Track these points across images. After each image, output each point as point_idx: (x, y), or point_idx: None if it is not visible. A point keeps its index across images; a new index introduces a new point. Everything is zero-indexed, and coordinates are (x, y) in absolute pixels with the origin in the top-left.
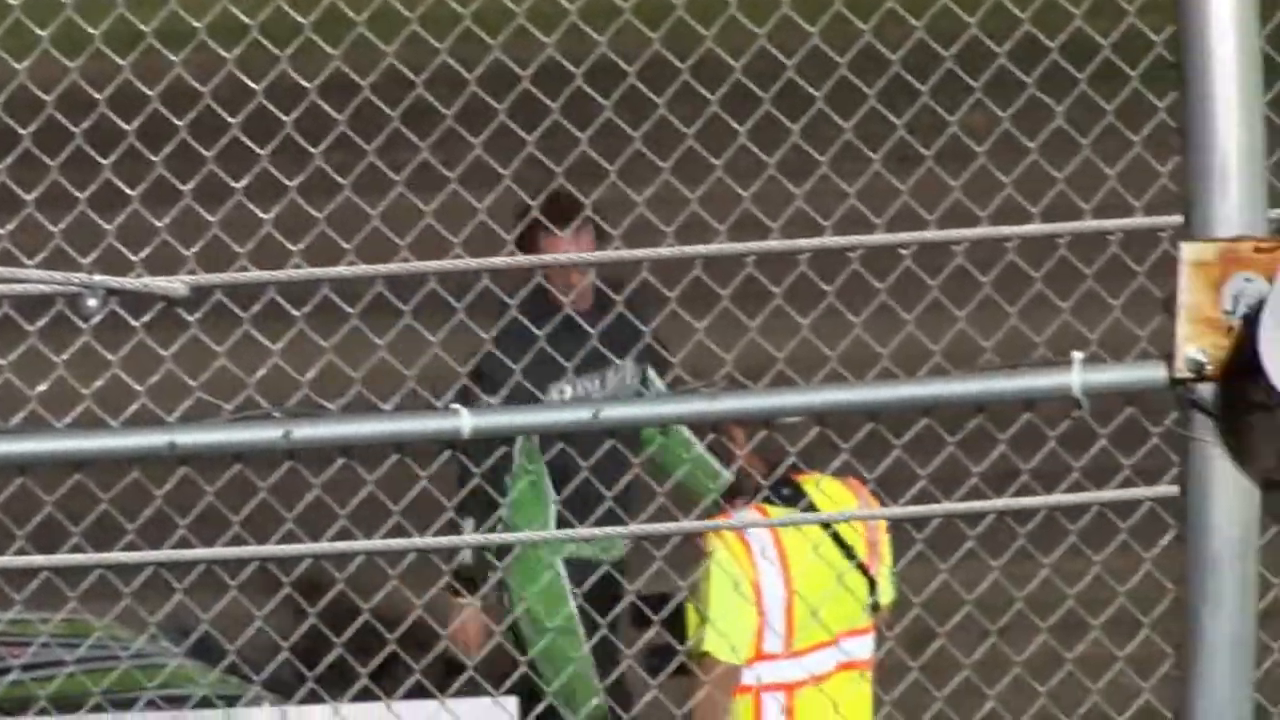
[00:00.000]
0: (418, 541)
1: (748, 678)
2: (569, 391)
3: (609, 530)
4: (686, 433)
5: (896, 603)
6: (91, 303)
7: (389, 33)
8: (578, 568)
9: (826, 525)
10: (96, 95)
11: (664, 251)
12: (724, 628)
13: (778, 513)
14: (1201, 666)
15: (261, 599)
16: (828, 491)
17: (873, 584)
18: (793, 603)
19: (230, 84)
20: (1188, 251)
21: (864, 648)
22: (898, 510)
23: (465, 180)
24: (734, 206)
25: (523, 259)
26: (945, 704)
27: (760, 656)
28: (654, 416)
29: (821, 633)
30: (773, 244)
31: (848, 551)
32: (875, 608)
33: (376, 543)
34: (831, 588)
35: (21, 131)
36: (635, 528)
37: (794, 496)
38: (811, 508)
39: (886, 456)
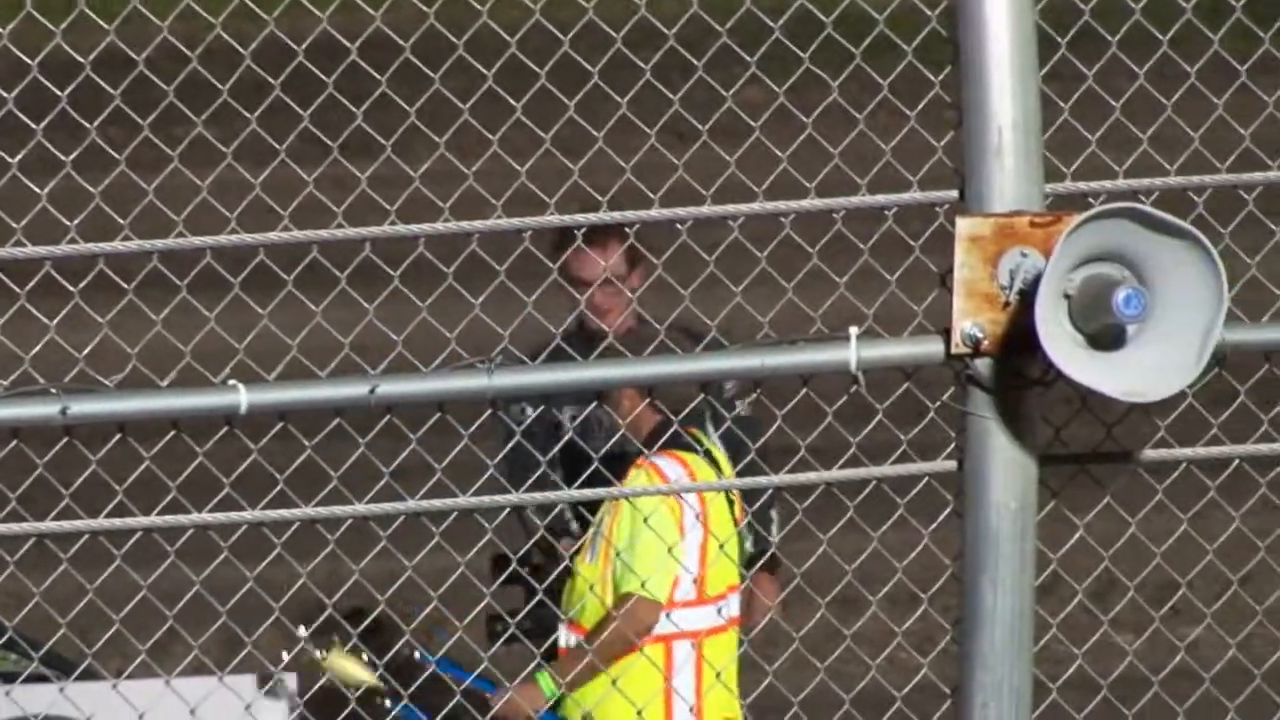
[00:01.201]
0: (244, 515)
1: (662, 626)
2: (568, 414)
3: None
4: None
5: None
6: None
7: (165, 8)
8: None
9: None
10: None
11: (442, 226)
12: (644, 563)
13: (692, 458)
14: (981, 641)
15: (40, 575)
16: (707, 439)
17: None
18: (706, 551)
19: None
20: (964, 226)
21: (736, 604)
22: (675, 486)
23: (240, 156)
24: (510, 182)
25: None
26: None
27: (672, 604)
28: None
29: (724, 581)
30: (549, 219)
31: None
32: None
33: (205, 516)
34: (732, 537)
35: None
36: (575, 493)
37: (695, 445)
38: (710, 455)
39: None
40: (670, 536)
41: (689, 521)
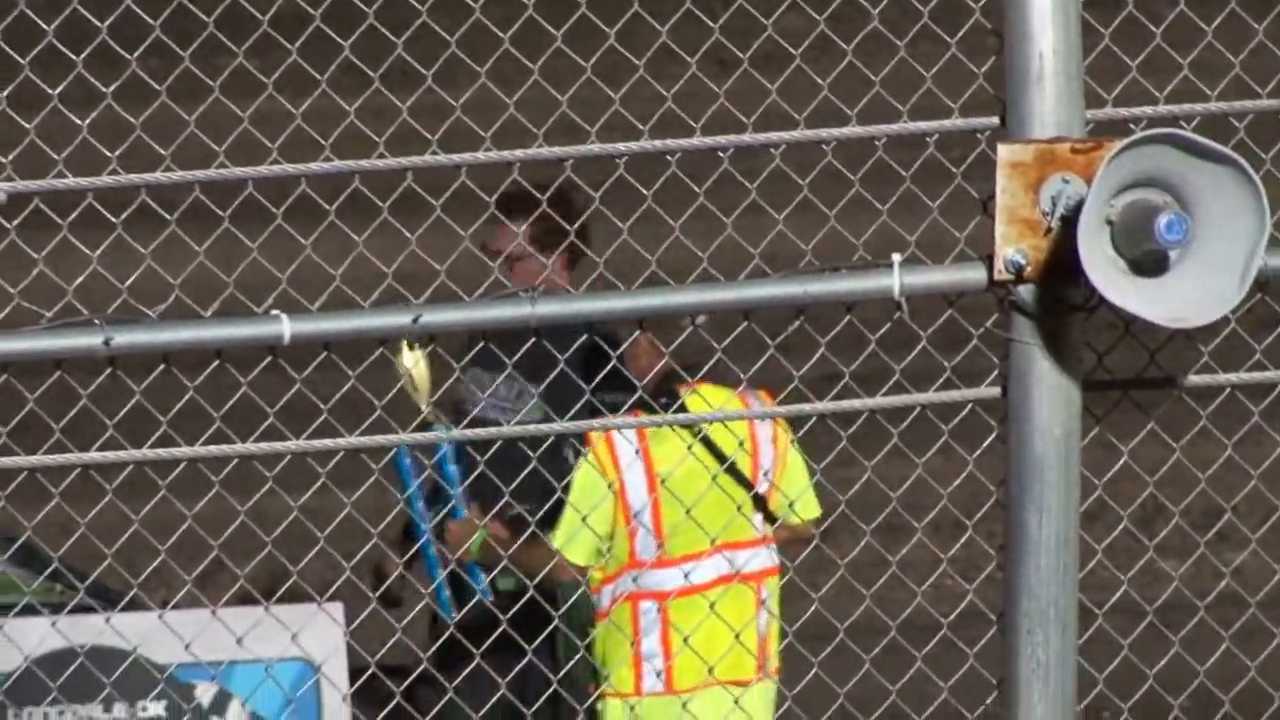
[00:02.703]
0: (288, 445)
1: (625, 584)
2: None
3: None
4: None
5: (819, 518)
6: None
7: None
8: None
9: (697, 432)
10: None
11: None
12: (566, 530)
13: (654, 430)
14: (1027, 568)
15: (85, 506)
16: (706, 396)
17: (759, 499)
18: (659, 510)
19: None
20: (1005, 153)
21: (751, 561)
22: (718, 414)
23: (281, 86)
24: (551, 111)
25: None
26: (769, 611)
27: (634, 564)
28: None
29: (698, 543)
30: (590, 148)
31: (722, 460)
32: (771, 521)
33: (250, 446)
34: (699, 497)
35: None
36: (538, 427)
37: (670, 405)
38: (700, 426)
39: (709, 360)
40: (586, 494)
41: (630, 481)
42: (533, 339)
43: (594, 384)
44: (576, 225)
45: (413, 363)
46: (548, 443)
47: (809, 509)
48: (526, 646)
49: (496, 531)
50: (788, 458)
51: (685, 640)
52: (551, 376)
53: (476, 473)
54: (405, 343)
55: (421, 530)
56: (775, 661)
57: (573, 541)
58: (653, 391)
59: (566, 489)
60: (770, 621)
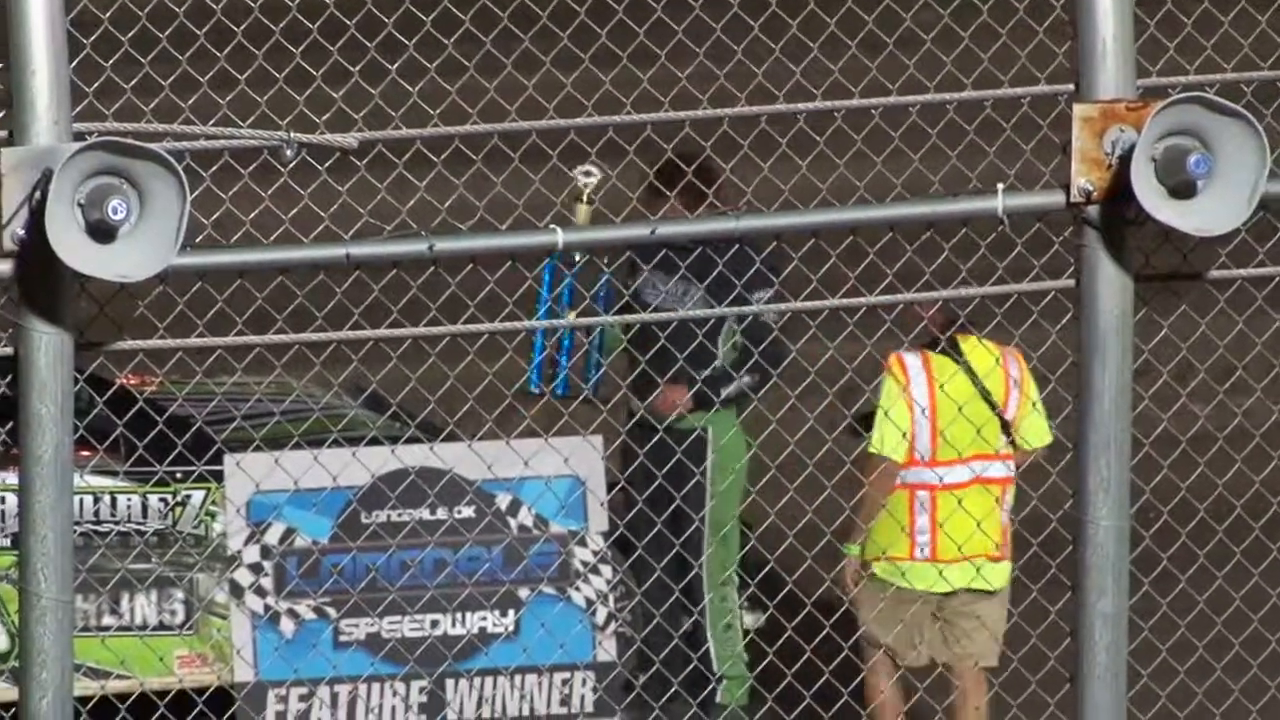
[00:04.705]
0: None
1: (904, 478)
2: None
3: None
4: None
5: (1051, 444)
6: (289, 152)
7: None
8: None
9: (972, 373)
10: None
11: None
12: (880, 432)
13: (936, 359)
14: (1095, 408)
15: (415, 365)
16: (983, 346)
17: (1005, 425)
18: (934, 421)
19: None
20: (1079, 110)
21: (997, 470)
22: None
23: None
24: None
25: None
26: (1006, 508)
27: (911, 462)
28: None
29: (959, 452)
30: (779, 107)
31: (984, 395)
32: (1013, 444)
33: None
34: (958, 417)
35: (235, 29)
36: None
37: (952, 350)
38: (967, 364)
39: (864, 260)
40: (888, 408)
41: (916, 401)
42: (698, 249)
43: (744, 281)
44: (714, 187)
45: (585, 216)
46: (708, 326)
47: (1042, 437)
48: (695, 469)
49: (678, 396)
50: (1030, 397)
51: (941, 525)
52: (710, 278)
53: (658, 347)
54: (585, 197)
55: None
56: (1008, 548)
57: (886, 443)
58: (940, 336)
59: (727, 366)
60: (1008, 518)
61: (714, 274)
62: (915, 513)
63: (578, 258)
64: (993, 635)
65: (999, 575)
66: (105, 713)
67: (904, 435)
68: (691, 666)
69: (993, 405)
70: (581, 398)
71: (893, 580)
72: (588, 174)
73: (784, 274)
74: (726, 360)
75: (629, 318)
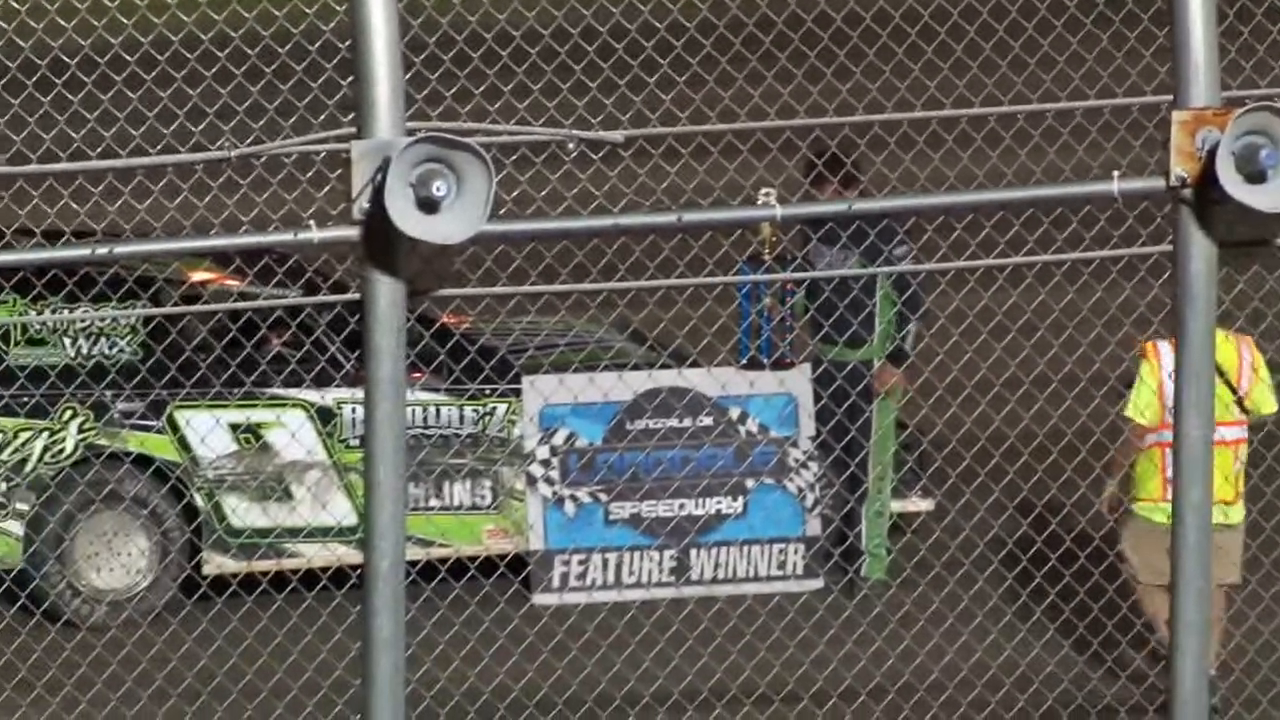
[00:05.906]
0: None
1: (1158, 436)
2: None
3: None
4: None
5: (1276, 411)
6: (570, 146)
7: None
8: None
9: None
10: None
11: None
12: (1135, 401)
13: (1167, 347)
14: (1186, 347)
15: (666, 308)
16: (1223, 336)
17: (1235, 393)
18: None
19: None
20: (1176, 116)
21: (1233, 433)
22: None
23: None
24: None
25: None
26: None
27: (1164, 425)
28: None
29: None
30: (917, 114)
31: (1222, 374)
32: (1244, 410)
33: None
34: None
35: (529, 50)
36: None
37: None
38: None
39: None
40: (1142, 380)
41: (1166, 376)
42: (855, 224)
43: (889, 244)
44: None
45: (769, 232)
46: (862, 283)
47: (1269, 406)
48: (865, 406)
49: (888, 377)
50: (1260, 374)
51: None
52: (865, 244)
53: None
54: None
55: (745, 308)
56: (1242, 495)
57: (1134, 409)
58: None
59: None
60: (1241, 469)
61: (867, 242)
62: (1165, 466)
63: (766, 257)
64: (1232, 561)
65: (1236, 513)
66: (429, 573)
67: (1147, 405)
68: (848, 543)
69: (1228, 382)
70: (778, 355)
71: (1148, 515)
72: (767, 194)
73: (920, 240)
74: (883, 314)
75: (808, 275)
